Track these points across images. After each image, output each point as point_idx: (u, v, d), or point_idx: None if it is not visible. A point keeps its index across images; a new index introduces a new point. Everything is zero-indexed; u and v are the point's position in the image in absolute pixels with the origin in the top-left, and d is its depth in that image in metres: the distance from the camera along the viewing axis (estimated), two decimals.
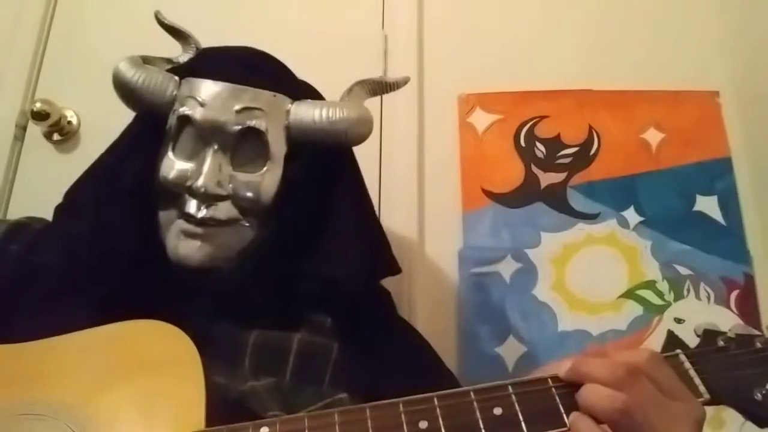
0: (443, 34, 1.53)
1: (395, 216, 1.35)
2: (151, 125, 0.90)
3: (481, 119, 1.45)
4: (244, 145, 0.87)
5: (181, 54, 0.96)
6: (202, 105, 0.86)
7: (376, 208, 1.10)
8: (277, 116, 0.89)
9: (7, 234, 0.93)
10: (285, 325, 0.89)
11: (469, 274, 1.35)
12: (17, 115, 1.49)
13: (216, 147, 0.86)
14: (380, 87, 0.99)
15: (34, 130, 1.48)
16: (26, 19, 1.56)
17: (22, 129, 1.49)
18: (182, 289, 0.86)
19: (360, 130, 0.93)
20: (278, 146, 0.89)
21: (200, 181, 0.84)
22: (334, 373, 0.87)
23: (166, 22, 0.96)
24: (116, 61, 0.85)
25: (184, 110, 0.86)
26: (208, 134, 0.86)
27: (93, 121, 1.49)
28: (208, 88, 0.87)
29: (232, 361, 0.84)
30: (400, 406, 0.64)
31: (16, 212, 1.41)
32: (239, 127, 0.86)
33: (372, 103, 1.01)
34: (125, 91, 0.90)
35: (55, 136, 1.48)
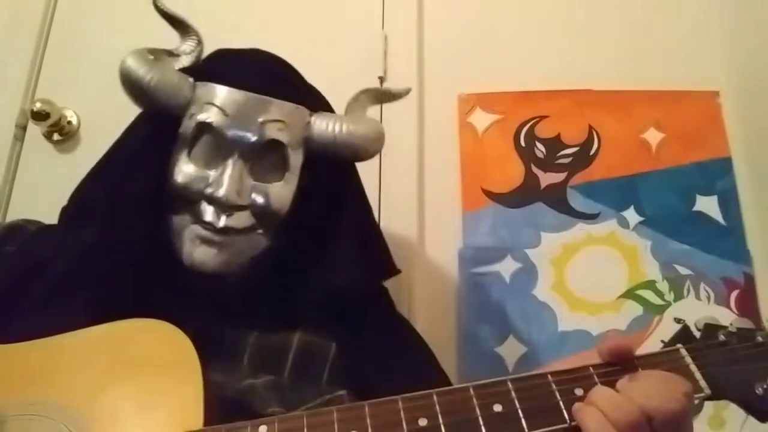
0: (443, 34, 1.53)
1: (395, 216, 1.35)
2: (162, 127, 0.89)
3: (481, 119, 1.45)
4: (265, 156, 0.88)
5: (180, 45, 0.94)
6: (225, 114, 0.86)
7: (375, 208, 1.11)
8: (298, 128, 0.90)
9: (3, 236, 0.93)
10: (284, 326, 0.90)
11: (469, 274, 1.35)
12: (17, 115, 1.49)
13: (237, 156, 0.86)
14: (383, 96, 1.03)
15: (34, 130, 1.48)
16: (26, 19, 1.56)
17: (22, 129, 1.49)
18: (184, 289, 0.86)
19: (377, 147, 0.96)
20: (296, 157, 0.90)
21: (222, 191, 0.84)
22: (333, 370, 0.88)
23: (165, 10, 0.94)
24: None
25: (205, 117, 0.86)
26: (231, 144, 0.86)
27: (93, 121, 1.50)
28: (230, 97, 0.87)
29: (232, 360, 0.84)
30: (399, 402, 0.64)
31: (16, 212, 1.41)
32: (263, 139, 0.87)
33: None
34: (136, 89, 0.88)
35: (55, 136, 1.49)
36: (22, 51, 1.54)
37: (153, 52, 0.91)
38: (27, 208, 1.35)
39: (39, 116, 1.43)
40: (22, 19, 1.56)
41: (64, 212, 0.94)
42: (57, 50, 1.56)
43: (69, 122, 1.49)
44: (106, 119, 1.45)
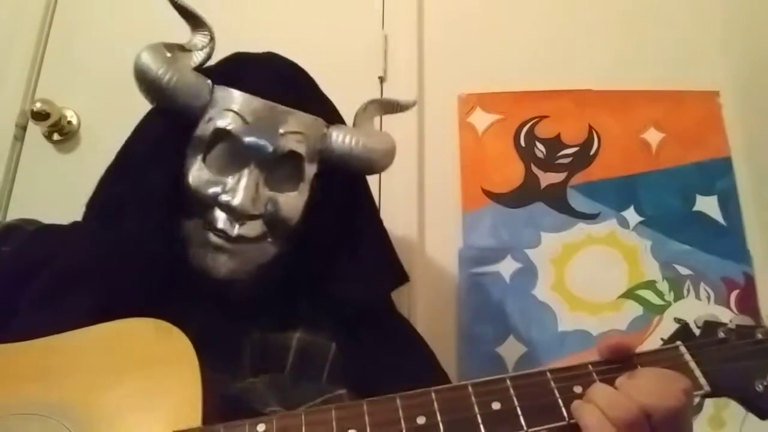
0: (443, 34, 1.53)
1: (395, 216, 1.35)
2: (177, 126, 0.88)
3: (481, 119, 1.45)
4: (281, 166, 0.88)
5: (192, 38, 0.92)
6: (245, 122, 0.86)
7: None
8: (314, 139, 0.90)
9: (0, 236, 0.92)
10: (284, 325, 0.90)
11: (469, 274, 1.35)
12: (17, 115, 1.49)
13: (253, 166, 0.86)
14: (391, 107, 1.04)
15: (34, 130, 1.49)
16: (26, 19, 1.56)
17: (22, 129, 1.50)
18: (189, 291, 0.86)
19: (389, 161, 0.98)
20: (311, 168, 0.91)
21: (237, 200, 0.84)
22: (333, 369, 0.88)
23: (180, 3, 0.92)
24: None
25: (224, 124, 0.86)
26: (248, 152, 0.86)
27: (93, 121, 1.50)
28: (249, 104, 0.87)
29: (232, 359, 0.84)
30: (398, 401, 0.64)
31: (16, 212, 1.41)
32: (282, 150, 0.87)
33: None
34: (153, 89, 0.87)
35: (55, 136, 1.49)
36: (22, 51, 1.54)
37: (167, 47, 0.89)
38: (27, 208, 1.35)
39: (39, 116, 1.43)
40: (22, 19, 1.57)
41: (89, 207, 0.93)
42: (57, 50, 1.56)
43: (69, 122, 1.49)
44: (106, 119, 1.47)
